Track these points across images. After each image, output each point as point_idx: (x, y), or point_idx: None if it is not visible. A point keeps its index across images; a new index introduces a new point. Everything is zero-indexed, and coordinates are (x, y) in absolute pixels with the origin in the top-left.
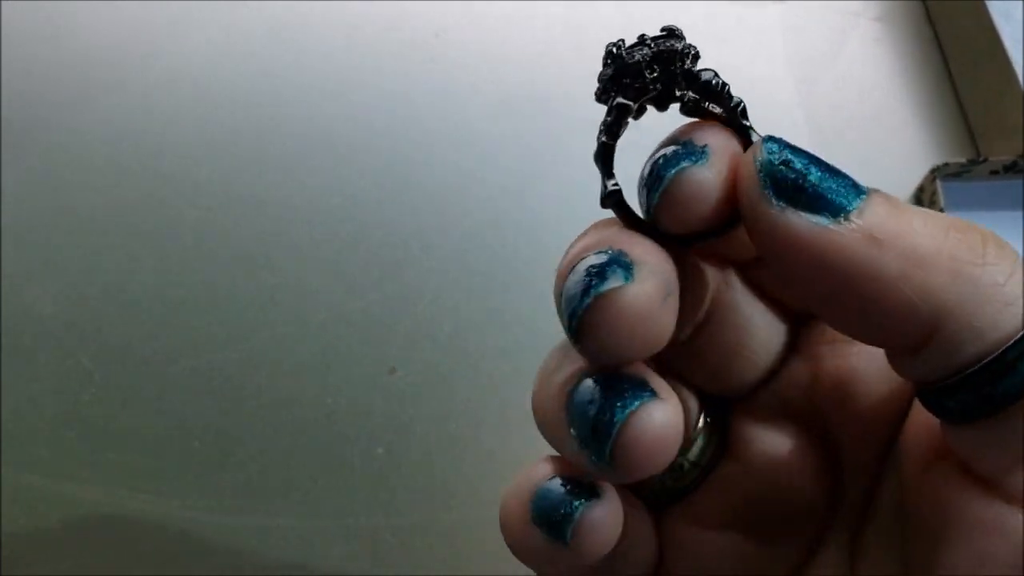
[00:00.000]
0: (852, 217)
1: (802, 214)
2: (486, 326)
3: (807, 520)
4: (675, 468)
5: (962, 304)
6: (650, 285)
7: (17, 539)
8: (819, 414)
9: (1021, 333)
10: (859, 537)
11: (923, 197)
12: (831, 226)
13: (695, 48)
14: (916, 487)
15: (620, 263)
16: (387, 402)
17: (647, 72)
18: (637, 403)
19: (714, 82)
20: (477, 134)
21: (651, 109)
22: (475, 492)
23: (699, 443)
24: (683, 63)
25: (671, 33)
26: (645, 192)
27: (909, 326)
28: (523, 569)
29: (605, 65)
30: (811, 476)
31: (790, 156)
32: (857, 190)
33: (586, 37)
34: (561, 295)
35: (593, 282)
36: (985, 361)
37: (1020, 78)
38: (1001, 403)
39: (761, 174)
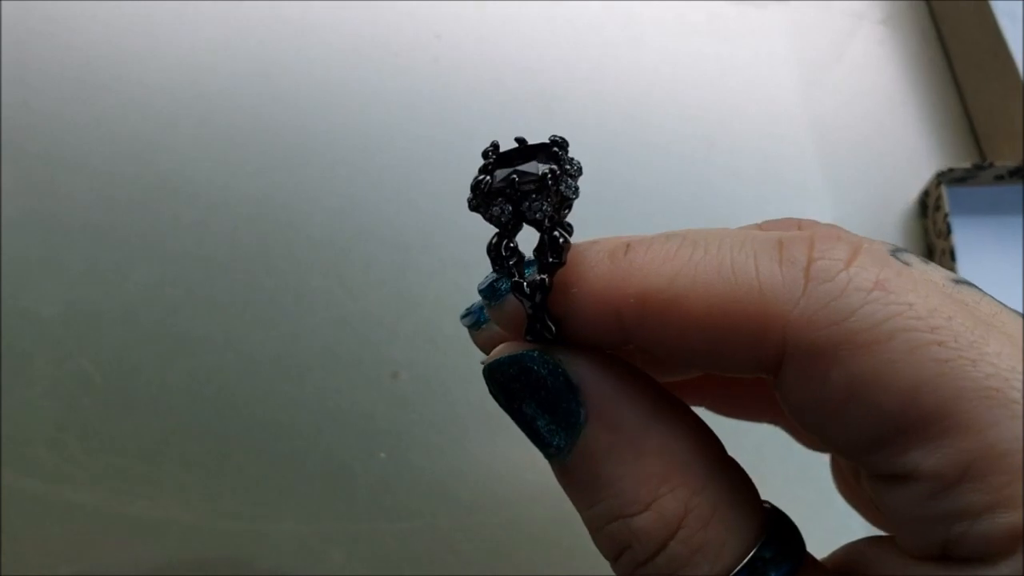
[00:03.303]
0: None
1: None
2: None
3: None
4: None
5: None
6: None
7: (15, 542)
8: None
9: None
10: None
11: (928, 202)
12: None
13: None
14: None
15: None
16: (389, 406)
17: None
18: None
19: (552, 235)
20: (478, 135)
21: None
22: (477, 497)
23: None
24: (555, 199)
25: (555, 155)
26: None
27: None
28: (522, 575)
29: (487, 172)
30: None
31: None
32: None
33: (588, 38)
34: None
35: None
36: None
37: None
38: None
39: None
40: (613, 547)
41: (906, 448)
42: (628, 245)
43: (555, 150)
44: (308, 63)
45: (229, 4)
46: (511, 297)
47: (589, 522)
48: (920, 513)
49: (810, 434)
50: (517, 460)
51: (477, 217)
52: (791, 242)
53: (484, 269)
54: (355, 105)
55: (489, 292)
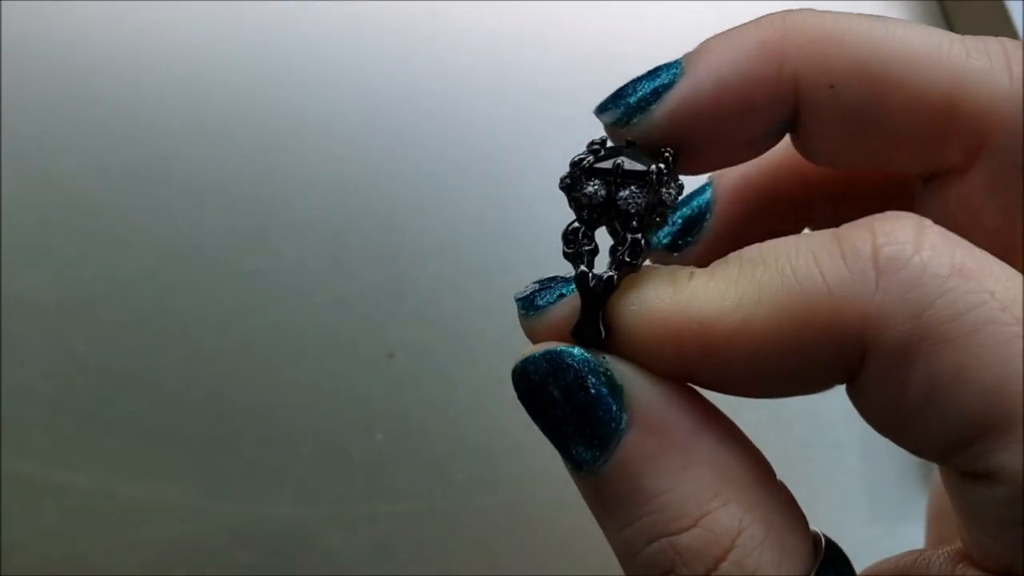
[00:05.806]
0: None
1: None
2: (485, 310)
3: None
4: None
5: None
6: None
7: (11, 525)
8: None
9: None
10: None
11: None
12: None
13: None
14: None
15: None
16: (386, 387)
17: (633, 221)
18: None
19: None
20: (476, 115)
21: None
22: (474, 479)
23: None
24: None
25: (664, 172)
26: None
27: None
28: (521, 558)
29: (583, 172)
30: None
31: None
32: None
33: (587, 19)
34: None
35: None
36: None
37: None
38: None
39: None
40: (653, 573)
41: (992, 449)
42: (692, 273)
43: (667, 156)
44: (302, 42)
45: None
46: (552, 308)
47: (624, 546)
48: (1006, 516)
49: (888, 438)
50: (515, 441)
51: (474, 198)
52: (849, 231)
53: (480, 248)
54: (350, 84)
55: (527, 303)
